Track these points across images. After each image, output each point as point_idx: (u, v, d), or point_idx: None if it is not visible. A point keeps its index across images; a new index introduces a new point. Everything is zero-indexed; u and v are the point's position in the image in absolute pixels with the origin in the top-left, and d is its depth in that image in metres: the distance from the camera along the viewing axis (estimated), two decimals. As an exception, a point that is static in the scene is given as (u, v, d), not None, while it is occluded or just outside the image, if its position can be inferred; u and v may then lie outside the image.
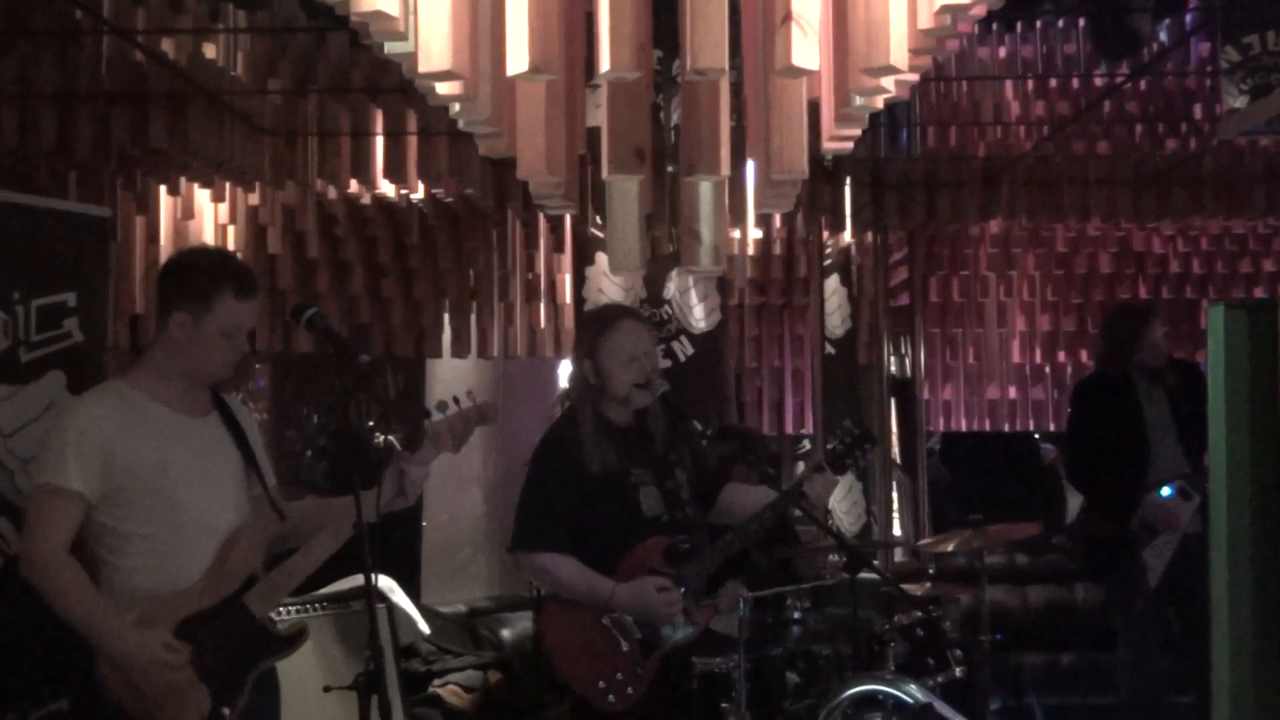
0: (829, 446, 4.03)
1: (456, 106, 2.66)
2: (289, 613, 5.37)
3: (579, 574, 3.65)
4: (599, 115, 4.08)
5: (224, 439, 3.27)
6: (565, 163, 2.77)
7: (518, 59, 2.40)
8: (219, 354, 3.18)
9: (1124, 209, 6.99)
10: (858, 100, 2.62)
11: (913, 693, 3.91)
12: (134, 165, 5.64)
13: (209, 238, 6.18)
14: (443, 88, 2.53)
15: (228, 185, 6.08)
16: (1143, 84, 7.68)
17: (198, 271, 3.21)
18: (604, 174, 2.66)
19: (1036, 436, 9.40)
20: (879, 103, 2.69)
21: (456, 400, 3.36)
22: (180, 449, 3.15)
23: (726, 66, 2.38)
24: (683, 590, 3.69)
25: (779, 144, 2.58)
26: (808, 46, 2.36)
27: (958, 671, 4.80)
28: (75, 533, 3.05)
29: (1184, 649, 5.55)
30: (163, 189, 5.94)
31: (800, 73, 2.41)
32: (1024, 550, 7.20)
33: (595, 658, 3.62)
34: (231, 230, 6.32)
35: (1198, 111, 7.62)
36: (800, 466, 8.71)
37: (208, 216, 6.20)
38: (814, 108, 2.86)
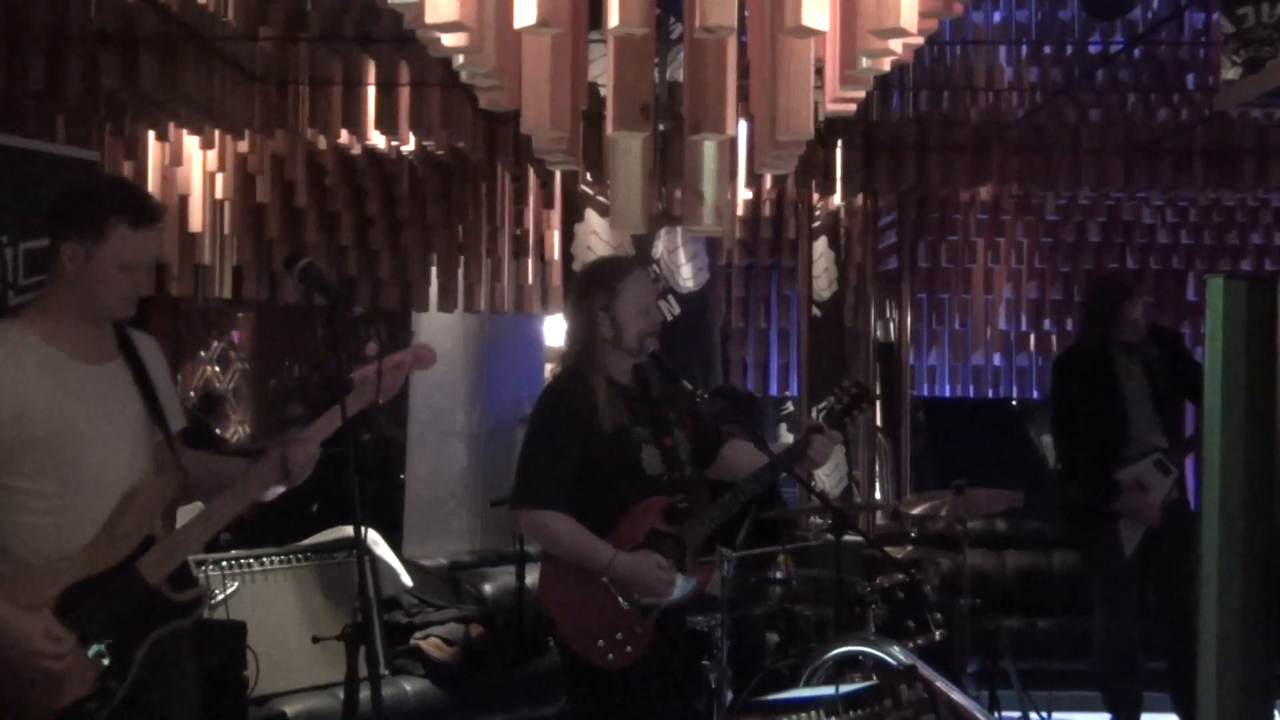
0: (825, 405, 4.02)
1: (460, 58, 2.64)
2: (272, 563, 5.39)
3: (580, 536, 3.62)
4: (593, 71, 4.06)
5: (126, 387, 3.02)
6: (569, 117, 2.75)
7: (525, 11, 2.38)
8: (116, 289, 2.92)
9: (1114, 178, 6.99)
10: (864, 62, 2.60)
11: (896, 655, 3.94)
12: (123, 109, 5.59)
13: (197, 185, 6.13)
14: (448, 39, 2.50)
15: (217, 132, 6.03)
16: (1136, 53, 7.68)
17: (89, 199, 2.97)
18: (609, 130, 2.64)
19: (1014, 403, 9.46)
20: (886, 65, 2.68)
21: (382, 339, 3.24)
22: (77, 401, 2.91)
23: (736, 24, 2.37)
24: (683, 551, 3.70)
25: (785, 104, 2.57)
26: (818, 6, 2.35)
27: (937, 634, 4.86)
28: None
29: (1158, 616, 5.62)
30: (151, 134, 5.89)
31: (810, 33, 2.39)
32: (1003, 516, 7.25)
33: (594, 617, 3.61)
34: (220, 178, 6.27)
35: (1190, 82, 7.62)
36: (783, 428, 8.75)
37: (196, 163, 6.15)
38: (815, 69, 2.85)
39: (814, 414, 4.98)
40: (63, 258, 2.91)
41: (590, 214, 6.70)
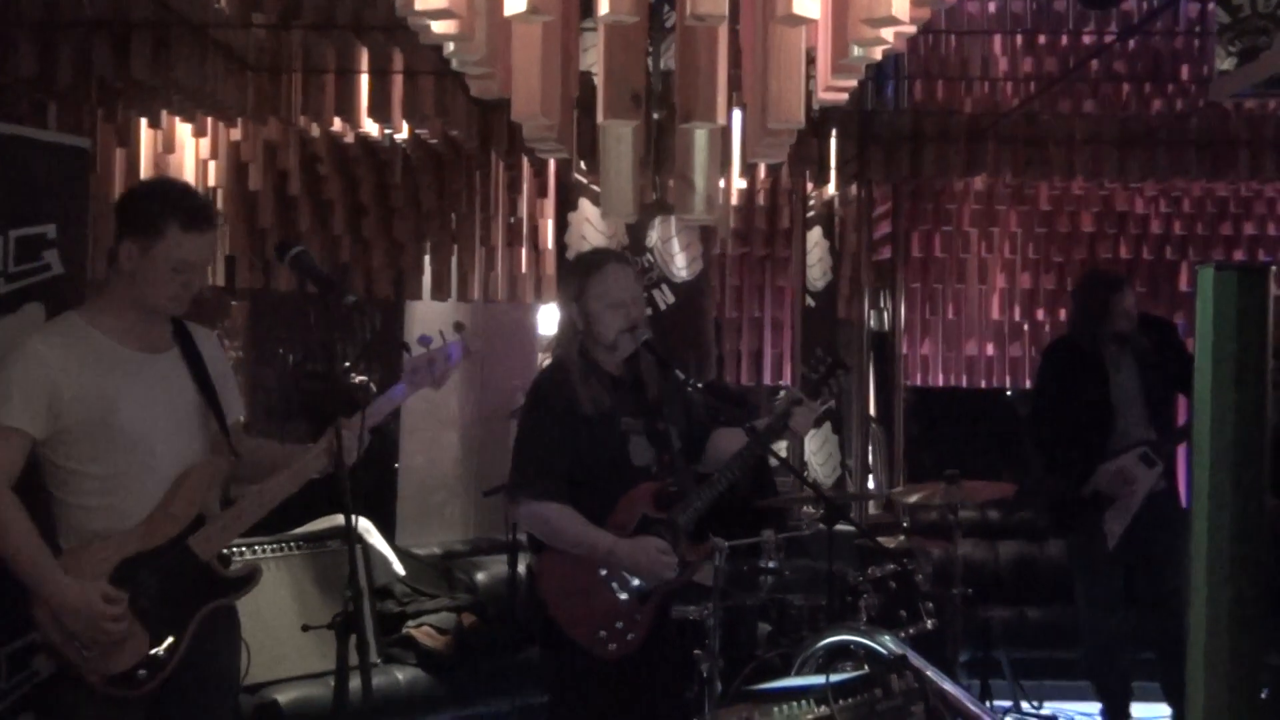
0: (803, 374, 4.03)
1: (450, 46, 2.63)
2: (265, 551, 5.38)
3: (578, 525, 3.62)
4: (586, 60, 4.05)
5: (181, 376, 3.20)
6: (559, 106, 2.75)
7: (515, -1, 2.37)
8: (167, 287, 3.09)
9: (1109, 168, 6.99)
10: (856, 51, 2.60)
11: (887, 644, 3.93)
12: (115, 96, 5.57)
13: (190, 172, 6.12)
14: (438, 26, 2.49)
15: (209, 120, 6.01)
16: (1131, 43, 7.67)
17: (146, 201, 3.13)
18: (600, 119, 2.63)
19: (1009, 393, 9.46)
20: (878, 54, 2.67)
21: (443, 334, 3.33)
22: (132, 387, 3.09)
23: (726, 13, 2.36)
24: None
25: (777, 92, 2.56)
26: (809, -5, 2.34)
27: (929, 624, 4.86)
28: (19, 470, 3.01)
29: (1142, 606, 5.63)
30: (144, 122, 5.87)
31: (801, 21, 2.39)
32: (995, 506, 7.26)
33: (594, 606, 3.61)
34: (212, 166, 6.26)
35: (1185, 72, 7.61)
36: (778, 418, 8.71)
37: (189, 151, 6.14)
38: (807, 57, 2.84)
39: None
40: (120, 255, 3.08)
41: (584, 203, 6.68)
